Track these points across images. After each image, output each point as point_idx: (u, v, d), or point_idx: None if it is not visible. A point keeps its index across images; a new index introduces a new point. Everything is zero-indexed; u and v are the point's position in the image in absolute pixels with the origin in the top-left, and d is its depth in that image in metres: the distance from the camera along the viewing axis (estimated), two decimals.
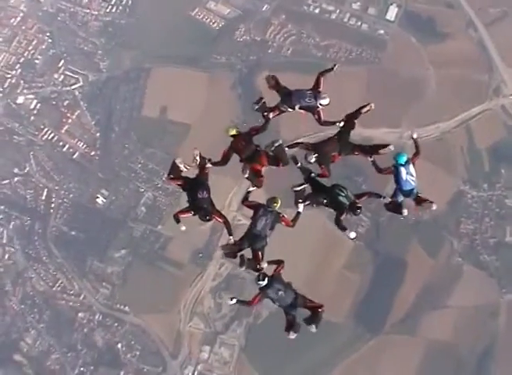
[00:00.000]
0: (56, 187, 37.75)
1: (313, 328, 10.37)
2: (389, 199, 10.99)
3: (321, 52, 37.47)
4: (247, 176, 10.95)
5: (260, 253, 10.08)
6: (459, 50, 38.34)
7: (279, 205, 10.00)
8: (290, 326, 10.41)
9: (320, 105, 10.99)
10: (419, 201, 10.76)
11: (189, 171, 10.96)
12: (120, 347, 37.10)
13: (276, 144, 10.68)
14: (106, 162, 37.43)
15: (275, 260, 10.49)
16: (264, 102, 11.14)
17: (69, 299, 37.51)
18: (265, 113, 11.08)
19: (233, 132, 10.81)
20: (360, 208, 10.46)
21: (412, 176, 10.59)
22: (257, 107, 11.12)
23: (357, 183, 36.45)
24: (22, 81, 38.87)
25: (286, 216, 10.12)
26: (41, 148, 38.07)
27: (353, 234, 10.76)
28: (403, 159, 10.50)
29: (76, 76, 38.44)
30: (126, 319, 37.02)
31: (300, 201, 10.59)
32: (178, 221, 10.61)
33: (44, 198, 37.81)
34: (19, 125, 38.40)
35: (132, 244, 36.80)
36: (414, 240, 36.45)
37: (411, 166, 10.65)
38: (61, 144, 38.00)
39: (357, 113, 11.81)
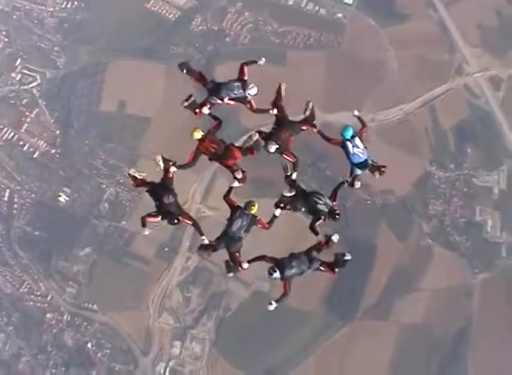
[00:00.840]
0: (18, 188, 36.48)
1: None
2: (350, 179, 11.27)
3: (279, 39, 36.36)
4: (240, 177, 10.86)
5: (237, 255, 10.35)
6: (419, 30, 37.40)
7: (255, 209, 10.15)
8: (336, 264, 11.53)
9: (249, 95, 11.06)
10: (374, 169, 11.18)
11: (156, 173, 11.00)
12: (90, 346, 35.84)
13: (255, 139, 10.93)
14: (67, 159, 36.19)
15: (255, 257, 10.71)
16: (193, 99, 11.22)
17: (37, 300, 36.18)
18: (196, 110, 11.24)
19: (199, 135, 10.78)
20: (339, 214, 11.07)
21: (359, 148, 10.80)
22: (186, 104, 11.23)
23: (320, 169, 35.51)
24: None
25: (261, 219, 10.28)
26: (1, 148, 36.81)
27: (335, 237, 11.43)
28: (349, 134, 10.71)
29: (34, 75, 37.19)
30: (95, 318, 35.73)
31: (281, 205, 10.78)
32: (144, 225, 10.66)
33: (6, 199, 36.51)
34: None
35: (96, 242, 35.52)
36: (382, 224, 35.43)
37: (357, 139, 10.83)
38: (21, 143, 36.72)
39: (278, 97, 11.64)
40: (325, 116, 35.74)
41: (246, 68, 11.46)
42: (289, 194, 11.20)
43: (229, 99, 11.31)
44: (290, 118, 11.60)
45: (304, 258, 11.07)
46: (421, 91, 36.68)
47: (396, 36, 36.91)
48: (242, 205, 10.64)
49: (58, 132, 36.55)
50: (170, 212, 10.60)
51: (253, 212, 10.31)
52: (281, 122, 11.36)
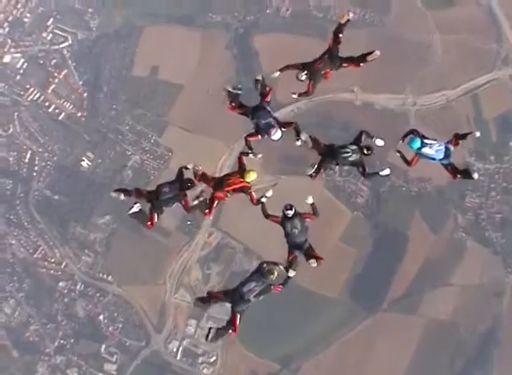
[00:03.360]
0: (40, 150, 33.63)
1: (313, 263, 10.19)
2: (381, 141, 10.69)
3: (322, 13, 33.37)
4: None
5: (239, 316, 9.77)
6: (467, 17, 34.18)
7: (275, 276, 9.60)
8: (290, 264, 10.11)
9: (270, 136, 10.40)
10: (459, 139, 11.02)
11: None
12: (102, 319, 32.91)
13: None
14: (93, 123, 33.32)
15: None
16: (239, 93, 10.91)
17: (50, 267, 33.33)
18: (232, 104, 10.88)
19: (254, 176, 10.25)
20: (370, 148, 10.41)
21: (433, 144, 10.41)
22: (229, 89, 10.95)
23: None
24: (9, 40, 34.74)
25: (276, 286, 9.74)
26: (26, 108, 33.95)
27: (380, 142, 10.56)
28: (417, 144, 10.15)
29: (65, 35, 34.33)
30: (109, 290, 32.82)
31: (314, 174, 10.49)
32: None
33: (27, 160, 33.67)
34: (4, 85, 34.23)
35: (117, 210, 32.65)
36: (415, 213, 32.19)
37: (426, 140, 10.39)
38: (47, 104, 33.86)
39: (341, 27, 11.37)
40: (366, 96, 32.92)
41: (291, 127, 10.81)
42: (311, 171, 10.71)
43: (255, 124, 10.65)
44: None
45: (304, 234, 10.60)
46: (464, 79, 33.48)
47: (443, 20, 33.71)
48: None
49: (85, 95, 33.68)
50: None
51: (271, 280, 9.81)
52: (329, 54, 11.15)
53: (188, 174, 11.07)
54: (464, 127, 33.42)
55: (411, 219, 32.11)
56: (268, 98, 10.88)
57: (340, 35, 11.39)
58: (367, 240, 31.97)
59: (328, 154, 10.64)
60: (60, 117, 33.76)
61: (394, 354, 31.96)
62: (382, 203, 32.07)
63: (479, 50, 33.90)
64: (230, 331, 9.99)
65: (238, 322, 9.91)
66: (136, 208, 10.63)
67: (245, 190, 10.32)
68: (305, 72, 10.86)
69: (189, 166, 10.68)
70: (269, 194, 10.52)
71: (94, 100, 33.53)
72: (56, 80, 34.09)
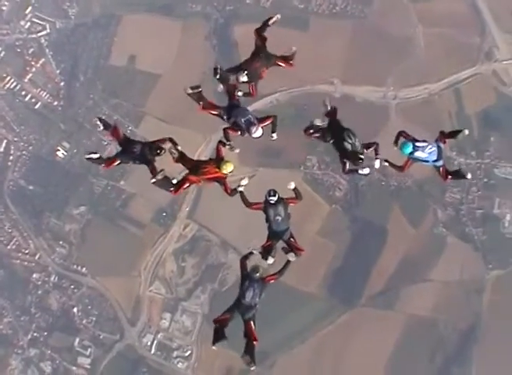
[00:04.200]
0: (16, 139, 32.60)
1: (292, 257, 9.79)
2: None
3: (303, 4, 32.27)
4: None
5: (252, 323, 9.43)
6: (450, 10, 33.24)
7: (261, 271, 9.40)
8: (268, 252, 9.76)
9: (251, 134, 9.93)
10: (446, 137, 10.51)
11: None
12: (76, 311, 31.86)
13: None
14: (69, 112, 32.31)
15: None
16: (200, 91, 10.31)
17: (24, 259, 32.28)
18: (201, 104, 10.38)
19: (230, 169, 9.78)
20: (361, 159, 9.85)
21: (425, 146, 9.90)
22: (190, 92, 10.28)
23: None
24: None
25: (270, 276, 9.44)
26: (3, 97, 32.93)
27: (366, 170, 10.13)
28: (408, 148, 9.81)
29: (44, 24, 33.33)
30: (83, 282, 31.76)
31: (310, 131, 10.33)
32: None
33: (2, 150, 32.59)
34: None
35: (92, 201, 31.62)
36: (395, 207, 31.24)
37: (418, 142, 9.92)
38: (23, 93, 32.88)
39: (264, 26, 11.03)
40: (346, 88, 32.02)
41: (269, 121, 10.28)
42: (319, 124, 10.50)
43: (233, 123, 10.17)
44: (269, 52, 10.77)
45: (286, 222, 10.22)
46: (447, 72, 32.58)
47: (425, 13, 32.80)
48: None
49: (62, 84, 32.69)
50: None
51: (259, 275, 9.49)
52: (257, 51, 10.72)
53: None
54: (446, 122, 32.61)
55: (390, 213, 31.18)
56: (235, 97, 10.55)
57: (264, 33, 10.94)
58: (345, 234, 31.04)
59: (335, 128, 10.34)
60: (36, 106, 32.80)
61: (372, 349, 30.96)
62: (361, 197, 31.14)
63: (462, 44, 33.07)
64: (254, 342, 9.52)
65: (254, 328, 9.56)
66: (94, 156, 10.11)
67: (219, 180, 9.81)
68: (245, 72, 10.37)
69: (164, 146, 10.04)
70: (244, 182, 9.91)
71: (70, 89, 32.58)
72: (33, 69, 33.13)
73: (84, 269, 31.75)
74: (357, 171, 10.27)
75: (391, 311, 31.25)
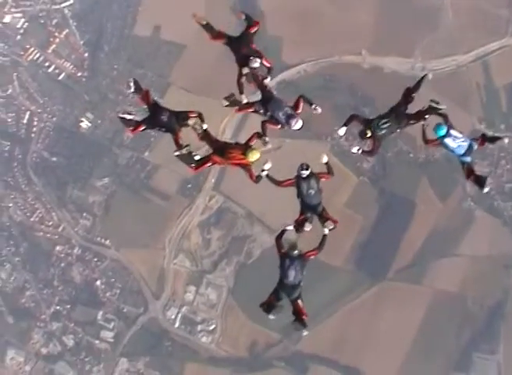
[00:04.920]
0: (39, 110, 31.86)
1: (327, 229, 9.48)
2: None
3: None
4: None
5: (300, 301, 9.21)
6: None
7: (299, 248, 9.08)
8: (301, 226, 9.37)
9: (291, 127, 9.50)
10: (485, 141, 10.05)
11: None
12: (99, 284, 31.22)
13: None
14: (93, 83, 31.56)
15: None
16: (235, 97, 10.05)
17: (47, 231, 31.62)
18: (237, 107, 10.12)
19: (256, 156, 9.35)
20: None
21: (458, 137, 9.67)
22: (226, 103, 10.14)
23: (364, 114, 30.69)
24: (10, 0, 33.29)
25: (310, 252, 9.16)
26: (26, 68, 32.23)
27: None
28: (443, 131, 9.58)
29: None
30: (107, 254, 31.09)
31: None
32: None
33: (25, 121, 31.95)
34: (4, 45, 32.56)
35: (116, 172, 30.85)
36: (423, 180, 30.39)
37: (453, 130, 9.63)
38: (47, 64, 32.14)
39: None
40: (374, 59, 31.12)
41: (301, 101, 9.69)
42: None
43: (271, 117, 9.69)
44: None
45: (319, 196, 9.65)
46: (475, 44, 31.63)
47: None
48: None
49: (86, 54, 31.95)
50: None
51: (297, 252, 9.09)
52: (238, 41, 10.33)
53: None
54: (474, 94, 31.75)
55: (418, 186, 30.30)
56: (266, 88, 10.00)
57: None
58: (372, 206, 30.21)
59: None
60: (60, 77, 32.08)
61: (399, 324, 30.13)
62: (389, 169, 30.30)
63: (490, 15, 32.08)
64: (304, 317, 9.19)
65: (302, 306, 9.16)
66: (129, 116, 9.86)
67: (244, 167, 9.42)
68: (252, 58, 9.88)
69: (189, 122, 9.61)
70: (268, 166, 9.40)
71: (94, 60, 31.84)
72: (57, 40, 32.39)
73: (108, 241, 31.06)
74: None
75: (418, 285, 30.42)
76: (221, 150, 9.50)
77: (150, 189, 30.63)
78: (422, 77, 10.15)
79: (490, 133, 30.97)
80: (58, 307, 31.66)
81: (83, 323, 31.41)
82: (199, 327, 30.60)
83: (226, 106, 10.01)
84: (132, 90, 9.85)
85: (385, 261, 30.20)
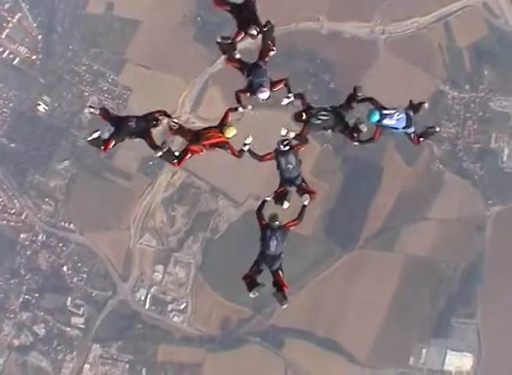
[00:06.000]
0: None
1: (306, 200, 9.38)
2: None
3: None
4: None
5: (281, 272, 9.25)
6: None
7: (279, 219, 9.05)
8: (281, 198, 9.40)
9: (257, 95, 9.56)
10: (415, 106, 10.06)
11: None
12: (66, 270, 30.01)
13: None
14: (48, 65, 30.29)
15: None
16: (230, 43, 9.74)
17: (11, 219, 30.32)
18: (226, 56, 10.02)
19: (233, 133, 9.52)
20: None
21: (394, 113, 9.61)
22: (219, 41, 9.77)
23: (324, 81, 29.63)
24: None
25: (290, 222, 9.11)
26: None
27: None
28: (376, 117, 9.52)
29: None
30: (72, 239, 29.87)
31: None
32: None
33: None
34: None
35: (76, 155, 29.65)
36: (389, 143, 29.28)
37: (385, 110, 9.60)
38: (1, 50, 31.01)
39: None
40: (332, 24, 30.03)
41: (281, 84, 9.77)
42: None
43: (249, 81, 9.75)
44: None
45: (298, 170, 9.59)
46: (435, 5, 30.51)
47: None
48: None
49: (40, 37, 30.70)
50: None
51: (278, 222, 9.06)
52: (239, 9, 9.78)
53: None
54: (437, 56, 30.69)
55: (384, 150, 29.14)
56: (267, 59, 9.98)
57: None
58: (338, 173, 29.15)
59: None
60: (15, 62, 30.79)
61: (373, 293, 29.10)
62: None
63: None
64: (284, 289, 9.19)
65: (283, 277, 9.20)
66: (96, 134, 9.54)
67: (223, 145, 9.60)
68: (252, 25, 9.63)
69: (164, 121, 9.71)
70: (249, 140, 9.55)
71: (48, 42, 30.59)
72: (10, 25, 31.08)
73: (72, 225, 29.88)
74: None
75: (390, 252, 29.42)
76: (196, 137, 9.53)
77: (110, 169, 29.44)
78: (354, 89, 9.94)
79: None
80: (26, 296, 30.45)
81: (52, 311, 30.23)
82: (170, 307, 29.46)
83: (217, 43, 9.73)
84: (97, 113, 9.81)
85: (355, 228, 29.16)
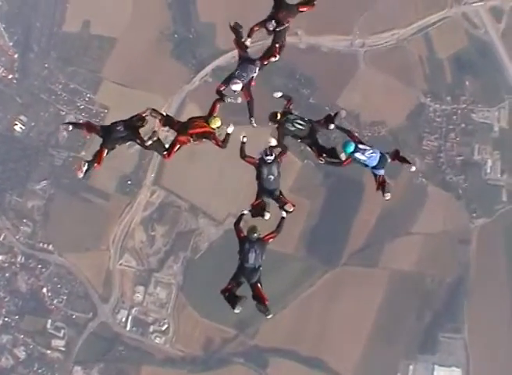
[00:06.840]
0: None
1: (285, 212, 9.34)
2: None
3: None
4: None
5: (259, 284, 8.93)
6: None
7: (258, 231, 8.82)
8: (258, 210, 9.31)
9: (230, 86, 9.62)
10: (398, 158, 10.08)
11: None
12: (45, 292, 29.15)
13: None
14: (25, 85, 29.61)
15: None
16: (240, 29, 10.21)
17: None
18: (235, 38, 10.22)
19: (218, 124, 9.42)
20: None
21: (367, 150, 9.51)
22: (232, 25, 10.10)
23: (303, 96, 28.94)
24: None
25: (268, 235, 8.87)
26: None
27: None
28: (351, 148, 9.36)
29: None
30: (51, 260, 29.02)
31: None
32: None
33: None
34: None
35: (53, 175, 28.93)
36: None
37: (361, 145, 9.48)
38: None
39: None
40: (311, 38, 29.36)
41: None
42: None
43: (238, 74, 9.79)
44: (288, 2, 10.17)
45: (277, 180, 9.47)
46: (415, 17, 29.88)
47: None
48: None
49: (16, 56, 30.05)
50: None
51: (257, 235, 8.83)
52: (278, 4, 10.15)
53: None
54: (417, 67, 30.02)
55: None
56: (266, 62, 10.45)
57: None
58: (319, 189, 28.37)
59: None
60: None
61: (357, 310, 28.24)
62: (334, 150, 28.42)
63: None
64: (265, 302, 8.82)
65: (262, 290, 8.90)
66: (85, 167, 9.81)
67: (208, 136, 9.57)
68: (273, 20, 10.04)
69: (145, 113, 9.65)
70: (230, 129, 9.39)
71: (25, 61, 29.95)
72: None
73: (51, 246, 29.08)
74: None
75: (374, 268, 28.60)
76: (184, 126, 9.58)
77: (88, 189, 28.61)
78: (335, 113, 9.84)
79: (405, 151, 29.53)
80: (6, 319, 29.63)
81: (33, 333, 29.38)
82: (151, 328, 28.58)
83: (230, 26, 10.07)
84: (70, 129, 9.91)
85: (338, 245, 28.31)
